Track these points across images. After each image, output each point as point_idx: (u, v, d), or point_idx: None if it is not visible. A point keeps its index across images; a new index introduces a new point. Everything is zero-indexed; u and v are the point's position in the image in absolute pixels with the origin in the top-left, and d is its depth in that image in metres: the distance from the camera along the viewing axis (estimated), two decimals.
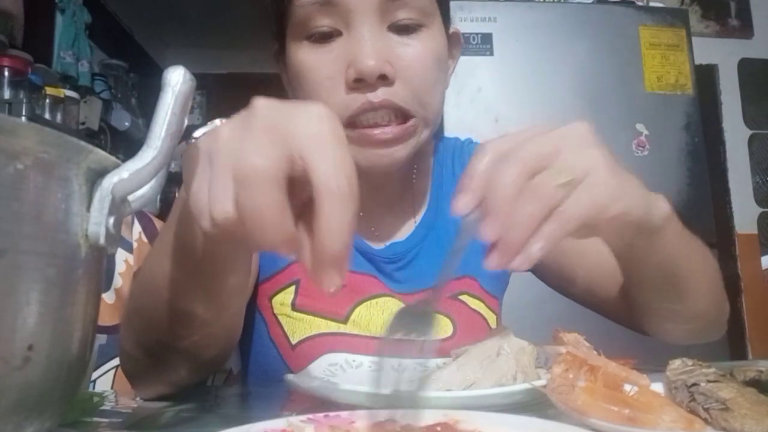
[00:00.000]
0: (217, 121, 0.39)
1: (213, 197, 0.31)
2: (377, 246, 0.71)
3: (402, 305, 0.69)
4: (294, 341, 0.66)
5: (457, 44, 0.72)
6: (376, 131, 0.60)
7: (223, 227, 0.31)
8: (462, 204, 0.39)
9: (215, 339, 0.50)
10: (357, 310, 0.68)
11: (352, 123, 0.61)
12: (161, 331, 0.47)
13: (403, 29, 0.62)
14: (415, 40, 0.62)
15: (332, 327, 0.67)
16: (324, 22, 0.60)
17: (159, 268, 0.45)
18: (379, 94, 0.59)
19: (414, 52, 0.62)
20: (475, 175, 0.38)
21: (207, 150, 0.33)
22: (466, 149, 0.82)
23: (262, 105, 0.33)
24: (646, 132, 1.97)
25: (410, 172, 0.74)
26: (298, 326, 0.66)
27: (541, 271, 0.76)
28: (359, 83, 0.59)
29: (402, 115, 0.61)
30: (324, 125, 0.31)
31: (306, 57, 0.62)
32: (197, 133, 0.38)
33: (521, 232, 0.36)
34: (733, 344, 2.08)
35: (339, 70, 0.60)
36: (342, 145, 0.31)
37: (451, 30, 0.69)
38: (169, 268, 0.44)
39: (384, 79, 0.59)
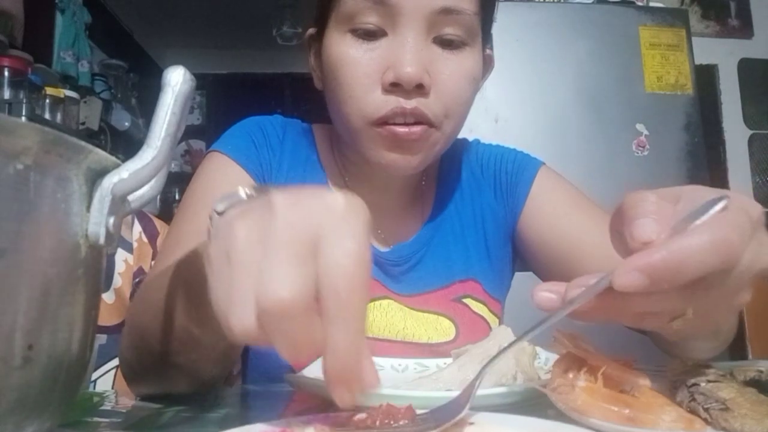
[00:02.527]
0: (242, 192, 0.35)
1: (232, 309, 0.28)
2: (382, 248, 0.71)
3: (403, 306, 0.69)
4: None
5: (489, 67, 0.72)
6: (404, 129, 0.60)
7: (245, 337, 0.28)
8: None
9: (213, 361, 0.50)
10: None
11: (379, 122, 0.61)
12: (159, 345, 0.47)
13: (447, 44, 0.62)
14: (456, 56, 0.62)
15: None
16: (372, 20, 0.60)
17: (161, 291, 0.45)
18: (413, 102, 0.60)
19: (453, 69, 0.62)
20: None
21: (225, 249, 0.30)
22: (472, 149, 0.82)
23: (281, 205, 0.28)
24: (646, 132, 1.97)
25: (419, 175, 0.74)
26: None
27: (542, 274, 0.75)
28: (395, 87, 0.59)
29: (427, 125, 0.62)
30: (356, 246, 0.28)
31: (347, 50, 0.61)
32: (219, 206, 0.34)
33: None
34: (733, 344, 2.07)
35: (378, 70, 0.60)
36: (366, 269, 0.28)
37: (486, 52, 0.69)
38: (172, 293, 0.44)
39: (420, 89, 0.59)
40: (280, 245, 0.27)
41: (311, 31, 0.70)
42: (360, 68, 0.61)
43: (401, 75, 0.58)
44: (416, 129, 0.60)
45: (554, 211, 0.73)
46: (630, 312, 0.35)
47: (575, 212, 0.72)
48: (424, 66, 0.59)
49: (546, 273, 0.75)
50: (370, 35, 0.61)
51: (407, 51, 0.59)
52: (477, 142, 0.84)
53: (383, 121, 0.61)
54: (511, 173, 0.77)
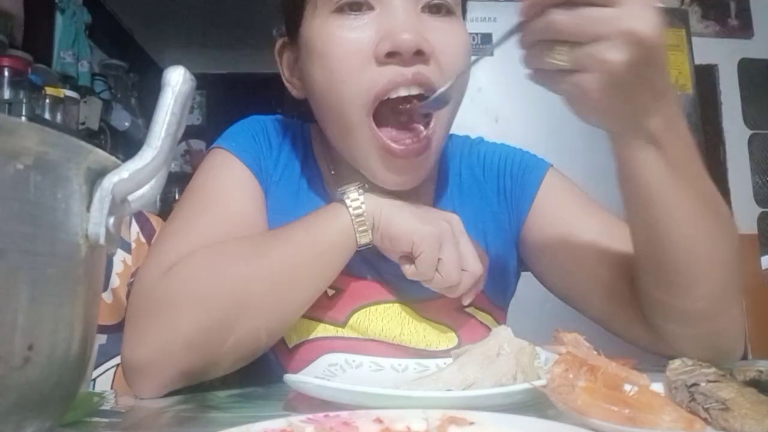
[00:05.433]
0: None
1: (450, 269, 0.58)
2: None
3: (403, 312, 0.68)
4: (291, 344, 0.66)
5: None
6: (400, 147, 0.60)
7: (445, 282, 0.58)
8: None
9: (286, 328, 0.62)
10: (356, 315, 0.67)
11: (377, 110, 0.59)
12: (275, 312, 0.58)
13: (435, 12, 0.60)
14: (448, 24, 0.61)
15: (330, 331, 0.66)
16: None
17: (308, 266, 0.59)
18: (412, 69, 0.57)
19: (449, 38, 0.60)
20: None
21: (437, 236, 0.57)
22: (474, 149, 0.79)
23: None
24: None
25: None
26: (295, 329, 0.65)
27: (544, 278, 0.74)
28: (392, 57, 0.57)
29: (423, 117, 0.61)
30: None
31: (332, 30, 0.59)
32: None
33: None
34: None
35: (369, 43, 0.58)
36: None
37: None
38: (314, 266, 0.59)
39: (420, 55, 0.57)
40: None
41: (283, 39, 0.69)
42: (350, 45, 0.58)
43: (399, 42, 0.56)
44: (414, 146, 0.60)
45: (561, 216, 0.70)
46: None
47: (583, 217, 0.69)
48: (420, 33, 0.57)
49: (549, 278, 0.73)
50: (355, 11, 0.59)
51: (401, 18, 0.57)
52: (480, 140, 0.82)
53: (384, 96, 0.58)
54: (516, 176, 0.74)
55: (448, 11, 0.61)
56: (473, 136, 0.83)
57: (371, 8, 0.59)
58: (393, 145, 0.60)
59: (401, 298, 0.68)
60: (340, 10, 0.59)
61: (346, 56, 0.58)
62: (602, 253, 0.65)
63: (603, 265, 0.65)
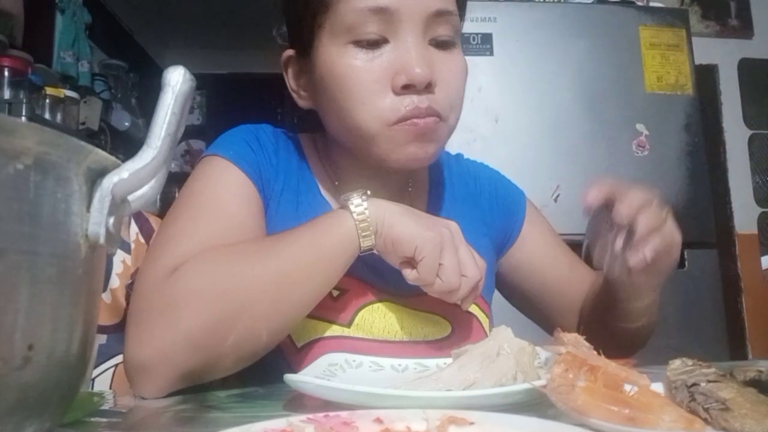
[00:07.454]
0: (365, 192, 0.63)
1: (450, 274, 0.59)
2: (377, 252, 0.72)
3: (402, 307, 0.70)
4: (299, 344, 0.67)
5: None
6: (421, 120, 0.64)
7: (445, 287, 0.60)
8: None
9: (287, 330, 0.63)
10: (360, 314, 0.69)
11: (397, 122, 0.64)
12: (284, 312, 0.59)
13: (440, 45, 0.66)
14: (450, 55, 0.67)
15: (336, 331, 0.67)
16: (372, 29, 0.63)
17: (314, 268, 0.60)
18: (424, 100, 0.64)
19: (451, 67, 0.67)
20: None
21: (439, 241, 0.59)
22: (462, 162, 0.87)
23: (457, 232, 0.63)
24: (646, 132, 1.97)
25: (406, 179, 0.76)
26: (303, 329, 0.67)
27: (513, 294, 0.87)
28: (407, 89, 0.63)
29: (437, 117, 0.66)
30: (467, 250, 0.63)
31: (352, 61, 0.64)
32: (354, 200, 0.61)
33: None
34: (733, 344, 2.08)
35: (386, 75, 0.64)
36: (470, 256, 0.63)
37: None
38: (321, 267, 0.60)
39: (428, 87, 0.64)
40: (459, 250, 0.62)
41: (289, 52, 0.72)
42: (369, 75, 0.64)
43: (414, 76, 0.62)
44: (430, 119, 0.64)
45: (543, 243, 0.84)
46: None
47: (557, 245, 0.85)
48: (430, 66, 0.63)
49: (520, 295, 0.86)
50: (372, 45, 0.64)
51: (414, 53, 0.63)
52: (460, 155, 0.89)
53: (401, 120, 0.64)
54: (507, 198, 0.85)
55: (450, 44, 0.68)
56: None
57: (386, 42, 0.64)
58: (416, 120, 0.64)
59: (399, 294, 0.71)
60: (358, 43, 0.64)
61: (365, 85, 0.64)
62: (570, 282, 0.83)
63: (569, 291, 0.83)
